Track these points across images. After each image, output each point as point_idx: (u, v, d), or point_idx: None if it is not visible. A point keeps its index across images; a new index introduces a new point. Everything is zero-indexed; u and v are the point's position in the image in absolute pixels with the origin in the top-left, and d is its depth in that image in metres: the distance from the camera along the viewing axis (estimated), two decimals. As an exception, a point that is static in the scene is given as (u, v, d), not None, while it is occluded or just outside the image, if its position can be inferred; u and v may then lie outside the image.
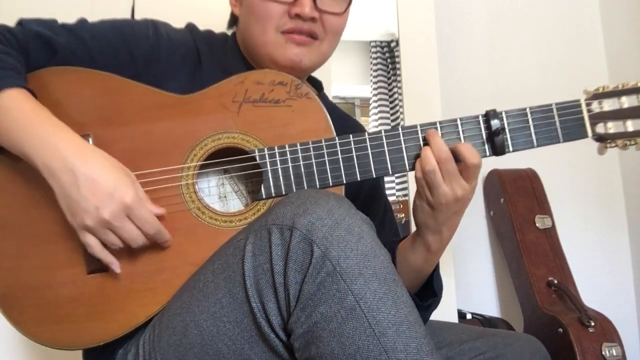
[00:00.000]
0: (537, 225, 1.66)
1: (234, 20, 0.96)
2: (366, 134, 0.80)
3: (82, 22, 0.84)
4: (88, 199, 0.67)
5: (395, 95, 1.91)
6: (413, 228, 0.97)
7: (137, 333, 0.76)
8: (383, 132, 0.79)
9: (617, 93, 0.79)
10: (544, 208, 1.70)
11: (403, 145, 0.79)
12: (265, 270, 0.63)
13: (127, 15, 1.39)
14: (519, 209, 1.68)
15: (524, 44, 1.93)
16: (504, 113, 0.79)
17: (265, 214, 0.68)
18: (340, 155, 0.79)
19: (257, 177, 0.85)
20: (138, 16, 1.29)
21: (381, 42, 1.97)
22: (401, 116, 1.66)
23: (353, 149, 0.79)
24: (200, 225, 0.77)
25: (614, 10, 1.95)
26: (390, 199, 1.74)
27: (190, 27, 0.92)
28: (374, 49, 1.97)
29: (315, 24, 0.84)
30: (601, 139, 0.79)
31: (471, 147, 0.77)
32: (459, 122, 0.80)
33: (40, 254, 0.76)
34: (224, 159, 0.80)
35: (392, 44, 1.93)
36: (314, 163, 0.78)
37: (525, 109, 0.79)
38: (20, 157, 0.71)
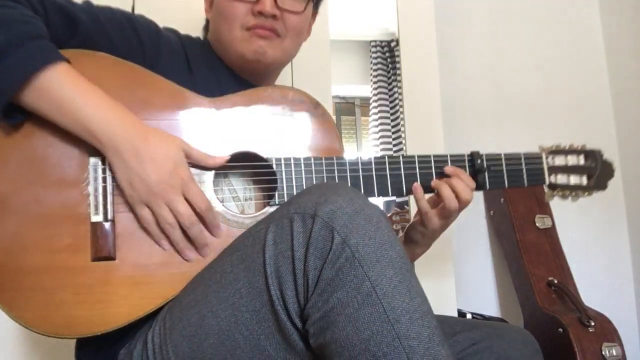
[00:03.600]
0: (537, 225, 1.67)
1: (207, 25, 1.01)
2: (372, 158, 0.89)
3: (88, 4, 0.83)
4: (151, 176, 0.72)
5: (395, 95, 1.91)
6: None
7: (140, 330, 0.76)
8: (387, 157, 0.90)
9: (565, 152, 0.99)
10: (544, 208, 1.70)
11: (402, 172, 0.90)
12: (285, 257, 0.65)
13: (127, 15, 1.39)
14: (519, 209, 1.68)
15: (524, 43, 1.93)
16: (484, 155, 0.94)
17: (286, 204, 0.69)
18: (348, 174, 0.87)
19: (259, 186, 0.89)
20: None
21: (381, 42, 1.97)
22: (401, 116, 1.66)
23: (360, 169, 0.88)
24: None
25: (614, 10, 1.95)
26: (389, 202, 1.76)
27: (170, 29, 0.96)
28: (374, 49, 1.97)
29: (277, 22, 0.90)
30: (552, 187, 0.99)
31: (468, 176, 0.91)
32: (448, 158, 0.93)
33: (43, 235, 0.73)
34: (240, 163, 0.84)
35: (392, 44, 1.94)
36: (325, 178, 0.86)
37: (500, 154, 0.95)
38: (74, 131, 0.72)
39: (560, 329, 1.42)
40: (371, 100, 1.95)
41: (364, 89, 2.00)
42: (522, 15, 1.95)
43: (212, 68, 0.94)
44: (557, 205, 1.72)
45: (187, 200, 0.75)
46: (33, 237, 0.72)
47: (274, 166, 0.83)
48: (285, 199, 0.82)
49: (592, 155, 0.99)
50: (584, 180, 0.99)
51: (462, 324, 0.89)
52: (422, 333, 0.59)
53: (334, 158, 0.86)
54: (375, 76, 1.95)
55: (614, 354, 1.37)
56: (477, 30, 1.91)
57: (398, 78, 1.79)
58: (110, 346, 0.77)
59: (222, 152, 0.82)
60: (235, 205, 0.89)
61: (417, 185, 0.89)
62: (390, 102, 1.93)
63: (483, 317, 1.60)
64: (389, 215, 1.70)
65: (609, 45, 1.97)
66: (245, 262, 0.69)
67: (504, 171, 0.94)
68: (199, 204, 0.75)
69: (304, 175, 0.84)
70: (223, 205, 0.81)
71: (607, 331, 1.41)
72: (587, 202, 1.86)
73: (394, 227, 1.64)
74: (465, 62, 1.88)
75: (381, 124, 1.90)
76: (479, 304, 1.75)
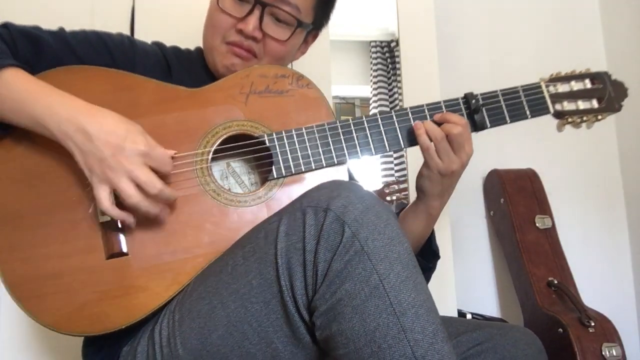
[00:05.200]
0: (537, 225, 1.67)
1: None
2: (364, 116, 0.88)
3: (61, 29, 0.87)
4: (103, 150, 0.71)
5: (395, 95, 1.91)
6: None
7: (143, 327, 0.77)
8: (379, 114, 0.89)
9: (567, 78, 0.94)
10: (544, 208, 1.70)
11: (397, 126, 0.88)
12: (297, 249, 0.66)
13: (127, 16, 1.39)
14: (519, 209, 1.68)
15: (524, 43, 1.93)
16: (479, 95, 0.91)
17: (299, 198, 0.71)
18: (342, 137, 0.87)
19: (260, 168, 0.90)
20: (138, 17, 1.29)
21: (381, 42, 1.97)
22: (401, 116, 1.66)
23: (353, 130, 0.87)
24: (217, 206, 0.81)
25: (614, 10, 1.95)
26: (389, 179, 1.77)
27: (158, 43, 0.98)
28: (374, 49, 1.97)
29: (257, 44, 0.91)
30: (560, 114, 0.92)
31: (455, 115, 0.88)
32: (442, 104, 0.90)
33: (57, 241, 0.76)
34: (235, 144, 0.85)
35: (392, 44, 1.94)
36: (319, 144, 0.86)
37: (496, 91, 0.92)
38: (33, 129, 0.74)
39: (560, 329, 1.42)
40: (371, 101, 1.95)
41: (364, 89, 2.00)
42: (522, 15, 1.95)
43: (198, 77, 0.93)
44: (557, 205, 1.72)
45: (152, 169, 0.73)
46: (48, 244, 0.76)
47: (267, 142, 0.84)
48: (284, 173, 0.84)
49: (598, 77, 0.93)
50: (595, 104, 0.92)
51: (465, 324, 0.89)
52: (427, 328, 0.61)
53: (325, 123, 0.86)
54: (375, 76, 1.95)
55: (614, 354, 1.37)
56: (477, 30, 1.91)
57: (398, 78, 1.79)
58: (114, 343, 0.77)
59: (211, 139, 0.84)
60: (243, 192, 0.90)
61: (417, 123, 0.87)
62: (390, 102, 1.93)
63: (483, 317, 1.60)
64: (381, 187, 1.72)
65: (609, 45, 1.97)
66: (257, 254, 0.70)
67: (503, 107, 0.91)
68: (164, 170, 0.75)
69: (297, 146, 0.85)
70: (222, 186, 0.83)
71: (607, 331, 1.41)
72: (587, 202, 1.87)
73: (387, 198, 1.66)
74: (465, 62, 1.88)
75: (381, 124, 1.90)
76: (479, 304, 1.75)
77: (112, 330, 0.75)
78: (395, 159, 1.76)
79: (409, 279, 0.63)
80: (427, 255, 0.98)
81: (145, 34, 0.97)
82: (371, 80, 1.96)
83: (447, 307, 1.46)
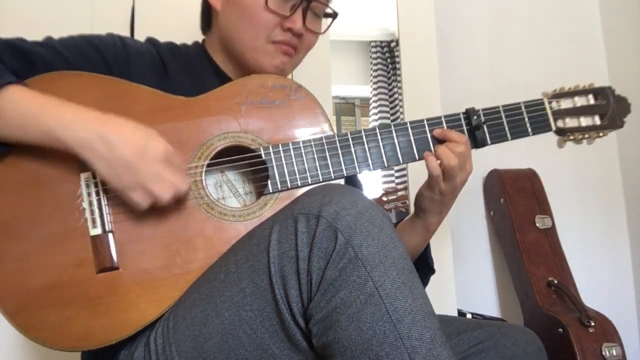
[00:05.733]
0: (537, 225, 1.67)
1: (208, 23, 0.98)
2: (362, 130, 0.85)
3: (49, 38, 0.85)
4: (126, 157, 0.70)
5: (395, 95, 1.91)
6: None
7: (142, 333, 0.76)
8: (377, 129, 0.86)
9: (570, 94, 0.93)
10: (544, 208, 1.70)
11: (396, 141, 0.86)
12: (290, 257, 0.65)
13: (127, 16, 1.39)
14: (519, 209, 1.68)
15: (524, 44, 1.93)
16: (480, 110, 0.89)
17: (290, 205, 0.70)
18: (340, 151, 0.84)
19: (254, 178, 0.87)
20: (138, 17, 1.29)
21: (381, 42, 1.97)
22: (401, 116, 1.66)
23: (351, 144, 0.85)
24: (210, 220, 0.79)
25: (614, 10, 1.95)
26: (389, 185, 1.78)
27: (152, 40, 0.95)
28: (374, 49, 1.97)
29: (299, 40, 0.90)
30: (561, 132, 0.91)
31: (457, 133, 0.86)
32: (443, 119, 0.89)
33: (48, 255, 0.74)
34: (230, 157, 0.82)
35: (392, 44, 1.94)
36: (316, 158, 0.83)
37: (498, 107, 0.90)
38: (45, 143, 0.72)
39: (560, 329, 1.42)
40: (371, 101, 1.96)
41: (364, 89, 2.01)
42: (522, 15, 1.95)
43: (198, 73, 0.93)
44: (557, 205, 1.72)
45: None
46: (38, 257, 0.74)
47: (263, 155, 0.82)
48: (279, 187, 0.82)
49: (602, 93, 0.92)
50: (597, 120, 0.91)
51: (466, 323, 0.89)
52: (424, 334, 0.60)
53: (323, 137, 0.84)
54: (375, 76, 1.95)
55: (614, 354, 1.37)
56: (477, 31, 1.91)
57: (398, 78, 1.79)
58: (112, 347, 0.77)
59: (206, 151, 0.82)
60: (237, 201, 0.89)
61: (427, 153, 0.86)
62: (390, 102, 1.93)
63: (483, 317, 1.60)
64: (380, 196, 1.71)
65: (609, 45, 1.97)
66: (250, 262, 0.69)
67: (505, 123, 0.89)
68: (180, 169, 0.76)
69: (294, 160, 0.83)
70: (216, 200, 0.81)
71: (607, 331, 1.41)
72: (587, 202, 1.87)
73: (386, 206, 1.65)
74: (465, 62, 1.88)
75: (381, 124, 1.90)
76: (479, 304, 1.75)
77: (103, 346, 0.74)
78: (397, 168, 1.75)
79: (404, 285, 0.62)
80: (421, 270, 0.96)
81: (145, 34, 0.96)
82: (371, 80, 1.96)
83: (447, 307, 1.46)
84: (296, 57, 0.93)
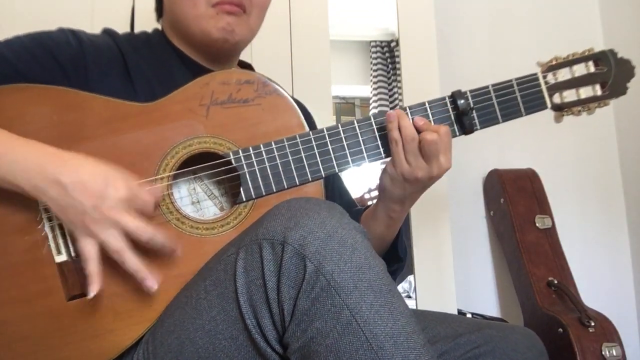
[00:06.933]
0: (537, 225, 1.67)
1: (160, 8, 0.96)
2: (339, 125, 0.80)
3: None
4: (83, 202, 0.65)
5: (395, 95, 1.91)
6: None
7: (124, 356, 0.73)
8: (356, 122, 0.80)
9: (568, 63, 0.85)
10: (544, 208, 1.70)
11: (377, 134, 0.81)
12: (258, 286, 0.62)
13: (127, 16, 1.39)
14: (519, 209, 1.68)
15: (524, 44, 1.93)
16: (468, 92, 0.82)
17: (255, 226, 0.65)
18: (316, 150, 0.79)
19: (229, 179, 0.82)
20: (138, 17, 1.29)
21: (381, 42, 1.97)
22: (401, 116, 1.66)
23: (328, 142, 0.79)
24: (182, 235, 0.74)
25: (614, 10, 1.95)
26: (376, 182, 1.76)
27: (109, 31, 0.90)
28: (374, 49, 1.97)
29: None
30: (558, 108, 0.84)
31: (438, 126, 0.80)
32: (427, 105, 0.82)
33: (14, 286, 0.70)
34: (198, 165, 0.78)
35: (392, 44, 1.94)
36: (291, 160, 0.78)
37: (487, 87, 0.83)
38: (1, 186, 0.68)
39: (560, 329, 1.42)
40: (371, 101, 1.95)
41: (364, 89, 2.01)
42: (522, 15, 1.95)
43: (162, 62, 0.88)
44: (557, 205, 1.72)
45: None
46: (5, 289, 0.70)
47: (233, 161, 0.76)
48: (253, 195, 0.77)
49: (603, 57, 0.85)
50: (598, 90, 0.83)
51: (464, 324, 0.87)
52: (408, 356, 0.57)
53: (297, 135, 0.78)
54: (375, 76, 1.95)
55: (614, 354, 1.37)
56: (477, 31, 1.91)
57: (398, 78, 1.79)
58: None
59: (171, 161, 0.76)
60: (214, 203, 0.85)
61: (391, 113, 0.80)
62: (390, 102, 1.93)
63: (483, 317, 1.60)
64: (361, 195, 1.69)
65: (609, 45, 1.97)
66: (218, 289, 0.66)
67: (495, 104, 0.82)
68: (146, 210, 0.69)
69: (267, 164, 0.77)
70: (187, 214, 0.76)
71: (607, 331, 1.41)
72: (587, 202, 1.87)
73: (369, 203, 1.62)
74: (465, 62, 1.88)
75: (381, 124, 1.90)
76: (479, 304, 1.75)
77: None
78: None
79: (383, 308, 0.58)
80: (390, 261, 0.92)
81: (145, 34, 0.96)
82: (371, 80, 1.96)
83: (447, 307, 1.45)
84: (249, 18, 0.88)
